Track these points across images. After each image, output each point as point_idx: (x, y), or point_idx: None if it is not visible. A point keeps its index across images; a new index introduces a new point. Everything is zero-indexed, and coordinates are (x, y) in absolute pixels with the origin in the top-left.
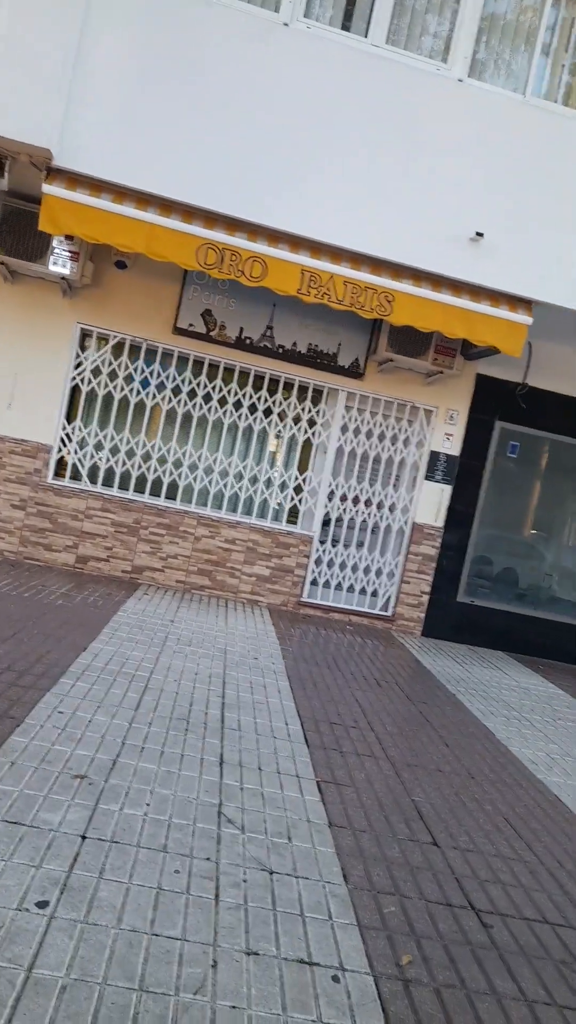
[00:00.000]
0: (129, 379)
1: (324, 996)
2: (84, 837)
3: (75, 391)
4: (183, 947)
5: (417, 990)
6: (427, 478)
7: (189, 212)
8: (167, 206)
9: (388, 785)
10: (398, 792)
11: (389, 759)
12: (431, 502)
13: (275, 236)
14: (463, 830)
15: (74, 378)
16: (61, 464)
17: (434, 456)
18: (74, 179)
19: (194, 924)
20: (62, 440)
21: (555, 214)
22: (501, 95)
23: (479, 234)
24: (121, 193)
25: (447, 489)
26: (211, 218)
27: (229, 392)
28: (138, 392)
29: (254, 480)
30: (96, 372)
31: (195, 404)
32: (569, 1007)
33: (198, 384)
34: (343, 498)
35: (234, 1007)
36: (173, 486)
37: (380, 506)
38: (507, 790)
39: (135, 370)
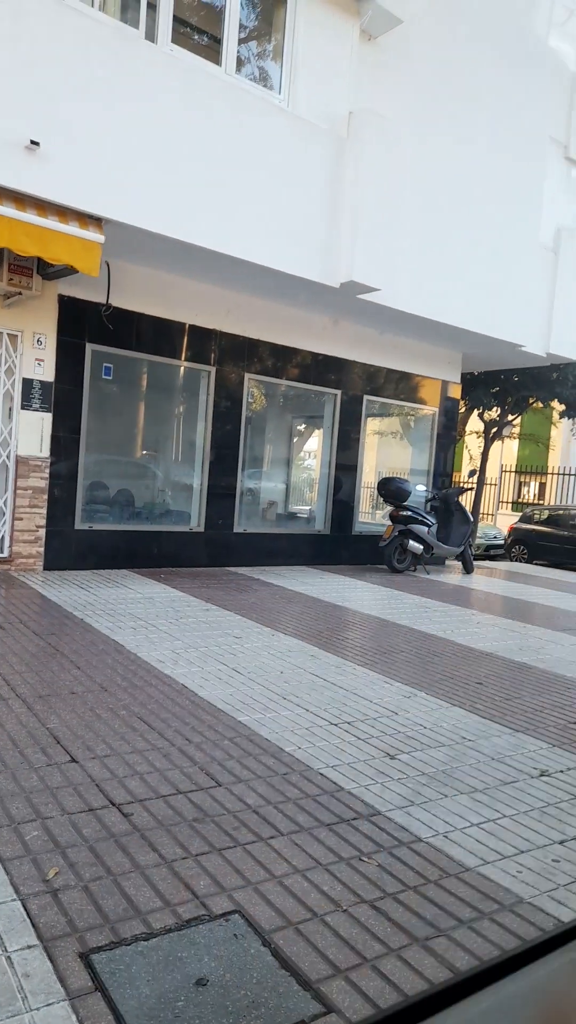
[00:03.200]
0: None
1: None
2: None
3: None
4: None
5: (66, 894)
6: (23, 407)
7: None
8: None
9: (21, 722)
10: (32, 725)
11: (19, 697)
12: (32, 432)
13: None
14: (100, 740)
15: None
16: None
17: (27, 383)
18: None
19: None
20: None
21: (116, 128)
22: None
23: (34, 142)
24: None
25: (47, 417)
26: None
27: None
28: None
29: None
30: None
31: None
32: (202, 853)
33: None
34: None
35: None
36: None
37: None
38: (139, 692)
39: None
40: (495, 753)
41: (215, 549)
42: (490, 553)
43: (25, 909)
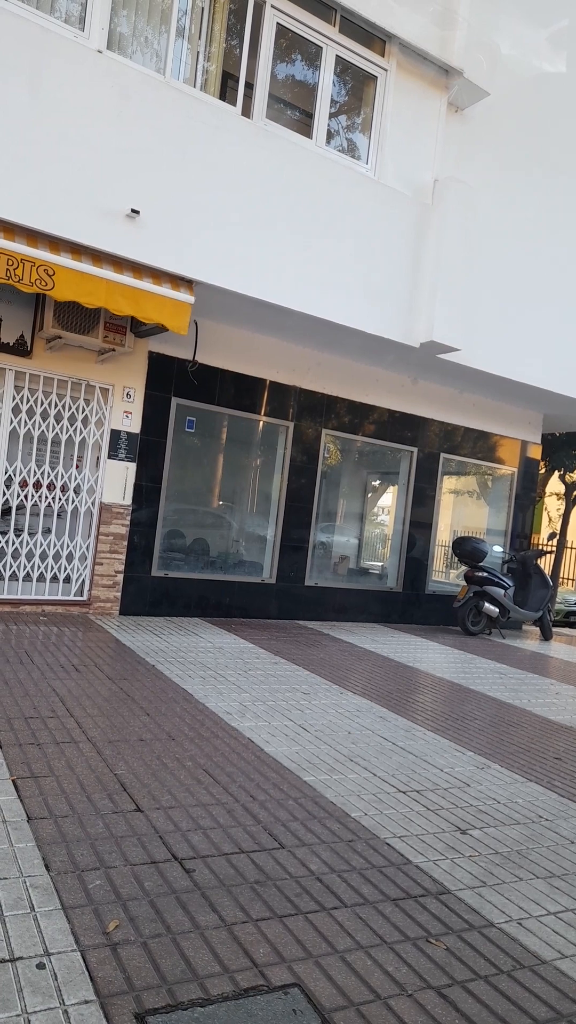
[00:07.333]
0: None
1: (29, 986)
2: None
3: None
4: None
5: (125, 949)
6: (110, 457)
7: None
8: None
9: (90, 766)
10: (100, 771)
11: (90, 741)
12: (116, 481)
13: None
14: (165, 790)
15: None
16: None
17: (115, 434)
18: None
19: None
20: None
21: (209, 198)
22: (142, 72)
23: (135, 211)
24: None
25: (131, 467)
26: None
27: None
28: None
29: None
30: None
31: None
32: (262, 918)
33: None
34: (23, 484)
35: None
36: None
37: (64, 489)
38: (205, 743)
39: None
40: (575, 835)
41: (286, 602)
42: (570, 620)
43: (84, 961)
